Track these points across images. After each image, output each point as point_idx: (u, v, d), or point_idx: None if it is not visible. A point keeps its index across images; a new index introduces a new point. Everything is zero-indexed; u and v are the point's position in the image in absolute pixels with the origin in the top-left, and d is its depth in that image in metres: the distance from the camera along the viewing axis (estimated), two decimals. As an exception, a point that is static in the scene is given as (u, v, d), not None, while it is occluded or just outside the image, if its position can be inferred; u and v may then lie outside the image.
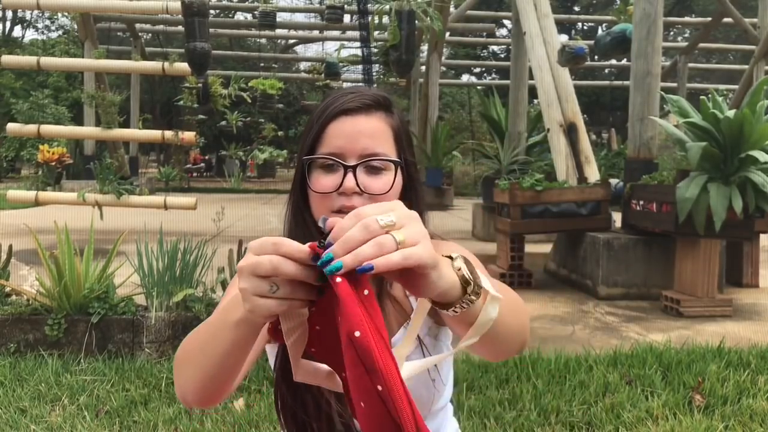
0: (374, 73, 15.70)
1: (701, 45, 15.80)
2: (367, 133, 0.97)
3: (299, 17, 25.54)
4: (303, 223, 1.03)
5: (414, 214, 0.68)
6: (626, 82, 7.85)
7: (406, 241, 0.64)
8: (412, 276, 0.66)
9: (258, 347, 0.94)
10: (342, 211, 0.96)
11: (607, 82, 22.38)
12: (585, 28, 27.03)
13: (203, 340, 0.85)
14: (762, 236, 5.81)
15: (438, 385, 1.02)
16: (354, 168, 0.96)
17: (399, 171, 1.00)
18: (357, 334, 0.61)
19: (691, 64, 16.17)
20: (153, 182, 16.75)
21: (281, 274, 0.65)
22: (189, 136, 6.69)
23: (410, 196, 1.05)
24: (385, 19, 6.33)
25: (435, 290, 0.68)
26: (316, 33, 22.12)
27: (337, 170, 0.97)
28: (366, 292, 0.64)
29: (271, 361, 1.03)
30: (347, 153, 0.97)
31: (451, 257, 0.72)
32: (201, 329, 0.87)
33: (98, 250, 3.81)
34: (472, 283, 0.71)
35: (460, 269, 0.71)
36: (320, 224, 0.67)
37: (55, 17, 27.86)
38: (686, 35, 24.56)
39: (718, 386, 2.97)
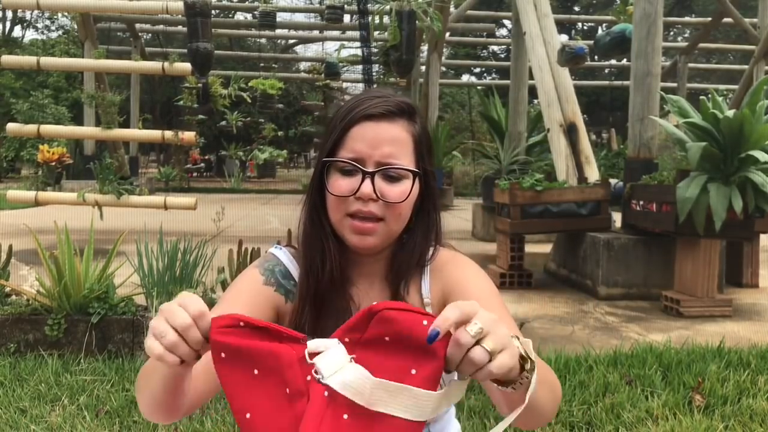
0: (374, 73, 15.69)
1: (701, 45, 15.80)
2: (388, 140, 0.98)
3: (299, 17, 25.55)
4: (319, 224, 1.04)
5: (495, 317, 0.68)
6: (626, 82, 7.86)
7: (496, 349, 0.66)
8: None
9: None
10: (357, 216, 0.98)
11: (607, 82, 22.38)
12: (585, 28, 27.03)
13: (147, 371, 0.90)
14: (762, 236, 5.81)
15: None
16: (372, 174, 0.96)
17: (417, 180, 1.01)
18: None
19: (691, 64, 16.17)
20: (153, 182, 16.75)
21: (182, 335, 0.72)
22: (189, 136, 6.69)
23: (427, 205, 1.06)
24: (385, 19, 6.34)
25: (504, 376, 0.70)
26: (316, 33, 22.12)
27: (355, 175, 0.97)
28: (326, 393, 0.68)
29: None
30: (367, 158, 0.97)
31: (517, 338, 0.72)
32: (148, 361, 0.92)
33: (98, 250, 3.81)
34: (529, 361, 0.72)
35: (520, 346, 0.71)
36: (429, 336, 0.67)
37: (55, 17, 27.87)
38: (686, 35, 24.56)
39: (718, 386, 2.97)
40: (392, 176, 0.98)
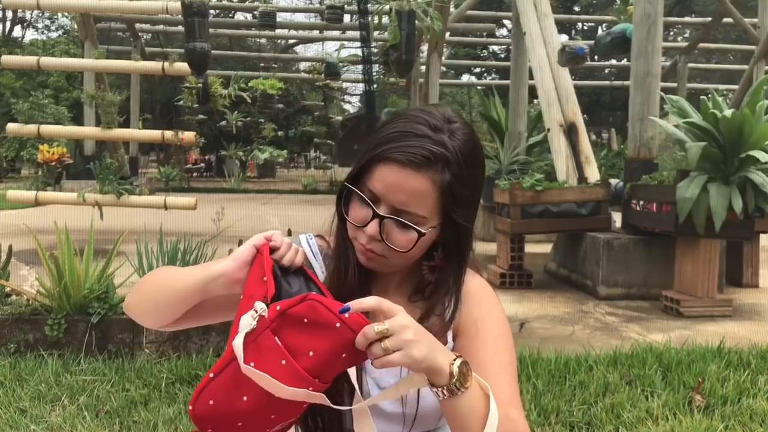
0: (374, 73, 15.69)
1: (701, 45, 15.80)
2: (407, 190, 0.95)
3: (299, 17, 25.56)
4: (342, 237, 1.06)
5: (407, 325, 0.82)
6: (626, 82, 7.86)
7: (391, 348, 0.80)
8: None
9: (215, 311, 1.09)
10: (362, 245, 1.00)
11: (607, 82, 22.37)
12: (585, 28, 27.05)
13: (169, 278, 1.05)
14: (762, 236, 5.82)
15: None
16: (381, 218, 0.96)
17: (437, 229, 0.99)
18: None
19: (691, 64, 16.17)
20: (153, 182, 16.75)
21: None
22: (189, 136, 6.69)
23: (450, 255, 1.03)
24: (385, 19, 6.33)
25: (431, 376, 0.84)
26: (316, 33, 22.12)
27: (369, 208, 0.97)
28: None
29: None
30: (383, 199, 0.96)
31: (456, 358, 0.85)
32: (166, 271, 1.09)
33: (98, 250, 3.81)
34: (456, 378, 0.84)
35: (452, 364, 0.84)
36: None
37: (55, 17, 27.87)
38: (686, 35, 24.56)
39: (718, 386, 2.97)
40: (402, 224, 0.97)
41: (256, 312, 0.83)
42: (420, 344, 0.81)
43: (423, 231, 0.97)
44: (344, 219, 1.03)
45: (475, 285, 1.09)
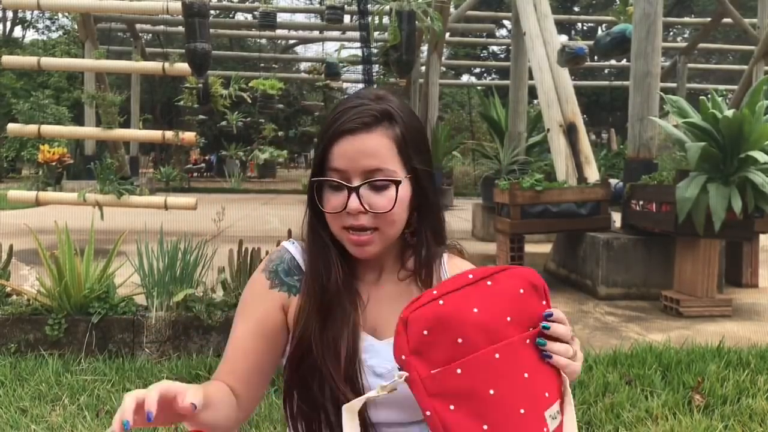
0: (374, 74, 15.70)
1: (701, 45, 15.80)
2: (368, 151, 0.99)
3: (299, 18, 25.54)
4: (319, 236, 1.07)
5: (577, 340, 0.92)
6: (626, 83, 7.86)
7: (578, 356, 0.90)
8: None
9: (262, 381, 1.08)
10: (351, 229, 1.01)
11: (606, 83, 22.38)
12: (585, 28, 27.05)
13: None
14: (761, 236, 5.82)
15: None
16: (356, 189, 0.99)
17: (407, 182, 1.02)
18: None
19: (690, 65, 16.17)
20: (153, 182, 16.76)
21: None
22: (189, 136, 6.70)
23: (420, 205, 1.06)
24: (385, 20, 6.34)
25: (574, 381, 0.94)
26: (316, 33, 22.13)
27: (343, 190, 1.00)
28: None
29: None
30: (351, 172, 0.99)
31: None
32: None
33: (99, 250, 3.82)
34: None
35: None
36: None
37: (56, 17, 27.87)
38: (686, 35, 24.56)
39: (718, 386, 2.98)
40: (378, 186, 1.00)
41: None
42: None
43: (398, 179, 1.00)
44: (320, 218, 1.05)
45: (466, 268, 1.11)
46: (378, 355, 1.02)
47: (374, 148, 0.99)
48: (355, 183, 0.99)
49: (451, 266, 1.11)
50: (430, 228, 1.09)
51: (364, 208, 0.99)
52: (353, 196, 0.98)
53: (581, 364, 0.91)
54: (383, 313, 1.05)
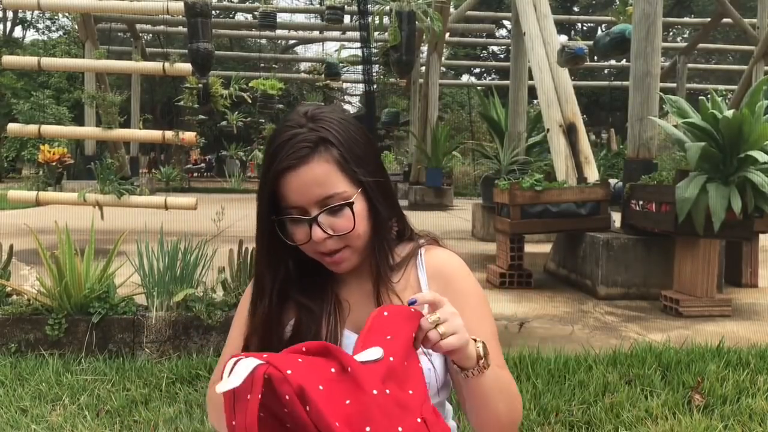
0: (374, 74, 15.69)
1: (700, 45, 15.81)
2: (312, 182, 1.02)
3: (299, 18, 25.53)
4: (273, 254, 1.11)
5: (454, 311, 0.92)
6: (626, 83, 7.87)
7: (446, 332, 0.89)
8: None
9: None
10: (324, 253, 1.06)
11: (606, 83, 22.38)
12: (584, 28, 27.06)
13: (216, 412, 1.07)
14: (761, 236, 5.82)
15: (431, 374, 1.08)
16: (314, 220, 1.03)
17: (360, 197, 1.05)
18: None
19: (690, 65, 16.17)
20: (153, 182, 16.77)
21: None
22: (189, 136, 6.70)
23: (377, 215, 1.09)
24: (385, 20, 6.35)
25: (462, 360, 0.95)
26: (316, 34, 22.14)
27: (303, 223, 1.04)
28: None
29: None
30: (305, 205, 1.03)
31: (474, 340, 0.96)
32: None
33: (99, 250, 3.82)
34: (484, 358, 0.96)
35: (478, 347, 0.96)
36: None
37: (56, 18, 27.87)
38: (685, 35, 24.56)
39: (718, 386, 2.98)
40: (334, 210, 1.03)
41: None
42: (464, 329, 0.92)
43: (351, 200, 1.03)
44: (282, 249, 1.08)
45: (444, 259, 1.16)
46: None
47: (318, 178, 1.02)
48: (313, 213, 1.03)
49: (428, 258, 1.15)
50: (386, 236, 1.12)
51: (328, 234, 1.03)
52: (314, 227, 1.02)
53: (465, 338, 0.91)
54: (368, 309, 1.08)
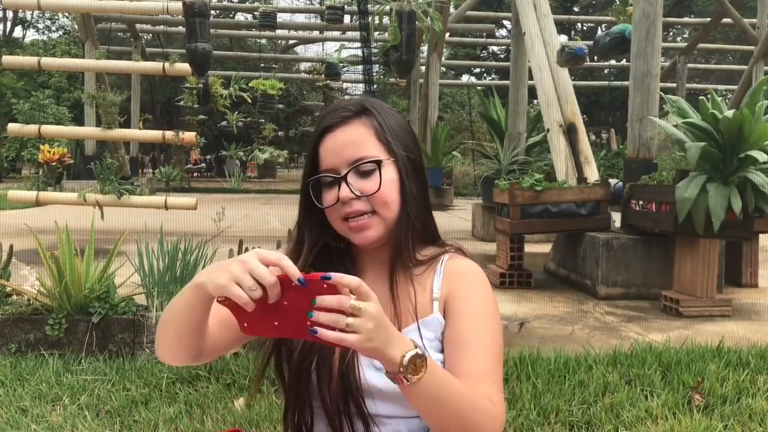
0: (374, 74, 15.69)
1: (700, 45, 15.82)
2: (348, 142, 1.08)
3: (299, 18, 25.54)
4: (301, 240, 1.15)
5: (380, 316, 0.85)
6: (626, 83, 7.87)
7: (351, 326, 0.83)
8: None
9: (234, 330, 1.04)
10: (348, 218, 1.08)
11: (606, 83, 22.38)
12: (584, 28, 27.07)
13: (172, 304, 1.02)
14: (761, 236, 5.82)
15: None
16: (343, 178, 1.06)
17: (391, 165, 1.08)
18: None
19: (690, 65, 16.19)
20: (153, 182, 16.77)
21: (265, 282, 0.84)
22: (189, 136, 6.70)
23: (404, 188, 1.10)
24: (385, 20, 6.35)
25: (382, 362, 0.89)
26: (316, 33, 22.14)
27: (334, 185, 1.07)
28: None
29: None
30: (339, 165, 1.07)
31: (416, 347, 0.90)
32: (170, 307, 1.04)
33: (99, 250, 3.82)
34: (404, 369, 0.88)
35: (403, 356, 0.88)
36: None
37: (56, 18, 27.88)
38: (685, 35, 24.57)
39: (718, 386, 2.98)
40: (364, 171, 1.07)
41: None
42: (377, 337, 0.85)
43: (379, 159, 1.07)
44: (317, 215, 1.11)
45: (463, 265, 1.15)
46: None
47: (354, 139, 1.08)
48: (343, 173, 1.07)
49: (449, 264, 1.15)
50: (411, 219, 1.12)
51: (355, 193, 1.06)
52: (343, 185, 1.06)
53: (370, 345, 0.85)
54: (387, 307, 1.08)
